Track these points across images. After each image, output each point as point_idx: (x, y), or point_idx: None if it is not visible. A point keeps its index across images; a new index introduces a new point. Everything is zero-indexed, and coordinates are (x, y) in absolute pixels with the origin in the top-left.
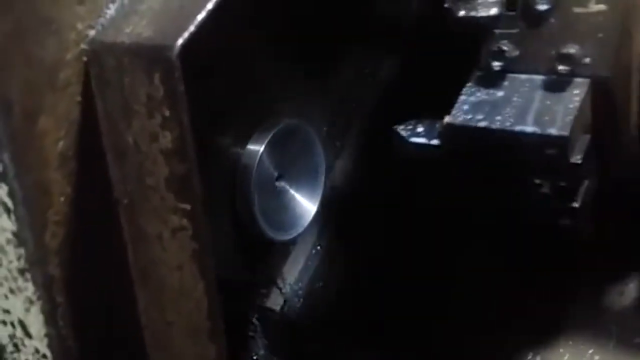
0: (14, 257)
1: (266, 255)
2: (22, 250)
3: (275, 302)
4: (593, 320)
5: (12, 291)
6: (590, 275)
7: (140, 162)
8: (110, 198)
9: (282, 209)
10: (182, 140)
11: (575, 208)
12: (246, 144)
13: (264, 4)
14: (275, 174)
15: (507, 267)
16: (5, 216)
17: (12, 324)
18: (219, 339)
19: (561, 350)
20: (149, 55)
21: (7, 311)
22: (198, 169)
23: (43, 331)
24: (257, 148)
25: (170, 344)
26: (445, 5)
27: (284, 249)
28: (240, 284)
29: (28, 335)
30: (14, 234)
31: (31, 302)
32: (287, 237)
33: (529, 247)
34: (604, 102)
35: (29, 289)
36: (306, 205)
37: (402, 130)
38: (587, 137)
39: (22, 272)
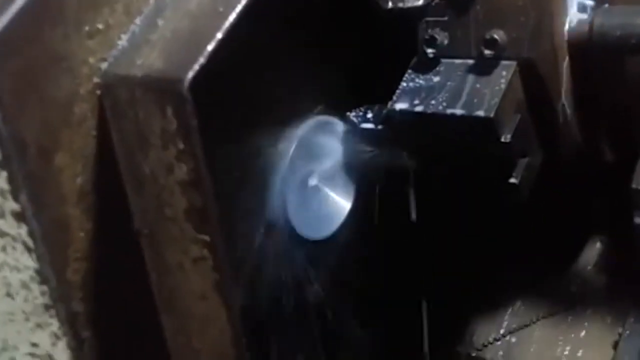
0: (38, 293)
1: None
2: (45, 287)
3: None
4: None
5: (39, 326)
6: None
7: (158, 193)
8: (130, 229)
9: (316, 207)
10: (198, 172)
11: (514, 184)
12: (275, 144)
13: (275, 22)
14: (307, 171)
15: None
16: (27, 255)
17: (41, 358)
18: None
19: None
20: (161, 89)
21: (35, 344)
22: (215, 199)
23: None
24: (287, 147)
25: None
26: None
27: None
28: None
29: None
30: (37, 272)
31: (57, 337)
32: (322, 235)
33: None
34: (534, 83)
35: (54, 324)
36: (340, 202)
37: (353, 116)
38: (518, 116)
39: (46, 308)
